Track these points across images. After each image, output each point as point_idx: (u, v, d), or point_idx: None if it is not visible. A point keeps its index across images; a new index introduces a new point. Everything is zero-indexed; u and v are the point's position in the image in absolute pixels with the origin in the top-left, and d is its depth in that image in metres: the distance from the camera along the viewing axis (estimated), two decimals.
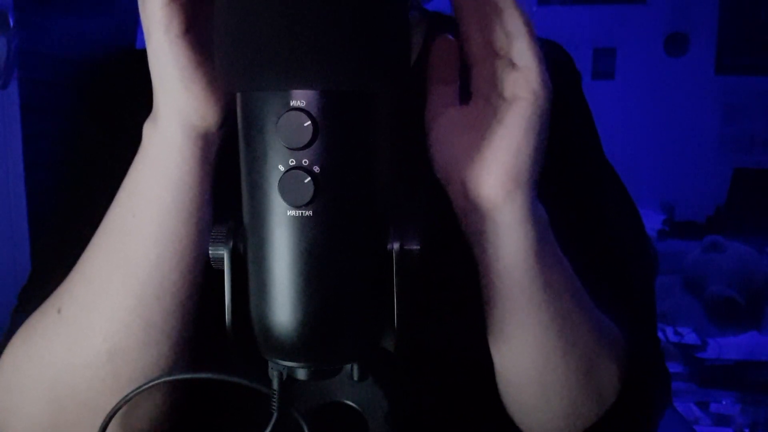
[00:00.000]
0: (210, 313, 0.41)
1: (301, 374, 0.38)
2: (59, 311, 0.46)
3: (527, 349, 0.48)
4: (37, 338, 0.48)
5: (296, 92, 0.34)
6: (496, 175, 0.43)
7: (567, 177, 0.57)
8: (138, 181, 0.44)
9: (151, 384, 0.42)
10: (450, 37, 0.45)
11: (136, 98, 0.45)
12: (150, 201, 0.43)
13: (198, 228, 0.44)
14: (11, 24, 1.31)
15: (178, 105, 0.41)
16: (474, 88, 0.45)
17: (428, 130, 0.46)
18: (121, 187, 0.45)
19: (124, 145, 0.46)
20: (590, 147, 0.62)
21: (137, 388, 0.42)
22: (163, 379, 0.42)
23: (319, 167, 0.34)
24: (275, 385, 0.39)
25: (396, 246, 0.37)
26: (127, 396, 0.42)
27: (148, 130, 0.43)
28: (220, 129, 0.42)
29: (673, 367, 1.94)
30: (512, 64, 0.42)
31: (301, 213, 0.34)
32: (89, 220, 0.47)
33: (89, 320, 0.45)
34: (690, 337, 2.15)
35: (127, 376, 0.45)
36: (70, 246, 0.48)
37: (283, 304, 0.36)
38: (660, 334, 0.69)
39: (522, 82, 0.42)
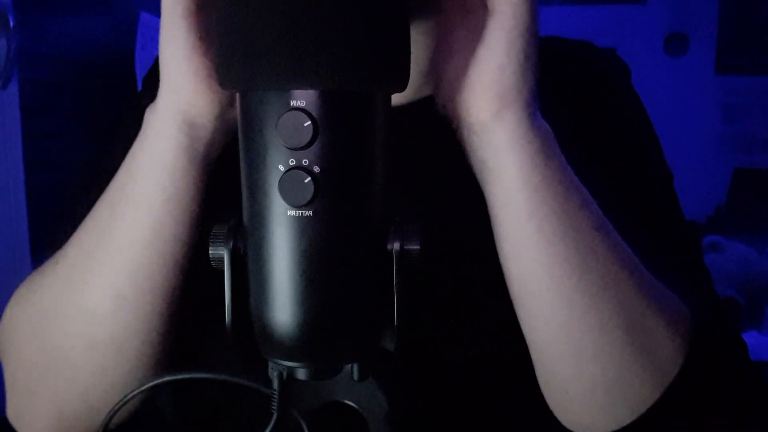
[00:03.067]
0: (210, 313, 0.41)
1: (301, 374, 0.38)
2: (56, 263, 0.49)
3: (548, 296, 0.43)
4: (35, 283, 0.50)
5: (296, 92, 0.34)
6: (482, 95, 0.41)
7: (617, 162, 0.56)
8: (132, 162, 0.45)
9: (151, 384, 0.42)
10: None
11: None
12: (138, 183, 0.44)
13: (185, 220, 0.44)
14: (11, 24, 1.31)
15: (170, 86, 0.42)
16: (469, 5, 0.44)
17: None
18: (121, 165, 0.46)
19: None
20: (644, 138, 0.61)
21: (137, 389, 0.42)
22: (163, 380, 0.42)
23: (319, 167, 0.34)
24: (275, 385, 0.39)
25: (396, 246, 0.37)
26: (127, 396, 0.42)
27: (148, 112, 0.44)
28: (215, 124, 0.43)
29: None
30: None
31: (301, 213, 0.34)
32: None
33: (75, 281, 0.47)
34: None
35: (101, 338, 0.47)
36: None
37: (283, 303, 0.36)
38: None
39: None
